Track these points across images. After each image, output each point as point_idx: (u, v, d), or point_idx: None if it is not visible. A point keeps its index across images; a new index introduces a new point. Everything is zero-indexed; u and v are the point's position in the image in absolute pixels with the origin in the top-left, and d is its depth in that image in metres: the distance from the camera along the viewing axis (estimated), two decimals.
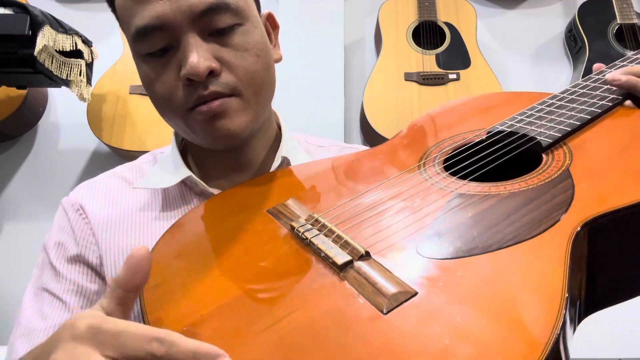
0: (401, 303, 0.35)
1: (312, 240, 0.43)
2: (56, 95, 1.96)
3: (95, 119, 1.70)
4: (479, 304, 0.34)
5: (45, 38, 1.38)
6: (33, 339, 0.58)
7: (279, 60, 0.65)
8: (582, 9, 1.86)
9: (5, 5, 1.37)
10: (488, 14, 2.01)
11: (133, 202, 0.64)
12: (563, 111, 0.55)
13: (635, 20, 1.80)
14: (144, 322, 0.39)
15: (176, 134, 0.69)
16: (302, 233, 0.44)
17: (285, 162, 0.64)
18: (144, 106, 1.71)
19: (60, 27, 1.45)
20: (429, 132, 0.62)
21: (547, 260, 0.35)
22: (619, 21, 1.80)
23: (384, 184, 0.51)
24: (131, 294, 0.37)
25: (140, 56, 0.58)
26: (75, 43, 1.49)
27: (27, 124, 1.90)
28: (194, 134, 0.59)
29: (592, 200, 0.40)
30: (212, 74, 0.54)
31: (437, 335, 0.32)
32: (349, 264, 0.39)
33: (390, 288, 0.36)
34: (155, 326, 0.34)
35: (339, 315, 0.35)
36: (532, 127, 0.53)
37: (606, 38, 1.77)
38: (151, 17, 0.53)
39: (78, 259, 0.62)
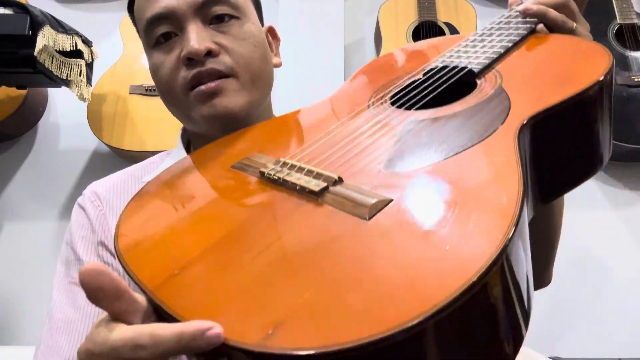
0: (380, 209, 0.37)
1: (285, 178, 0.45)
2: (56, 95, 1.96)
3: (95, 119, 1.70)
4: (452, 197, 0.37)
5: (45, 38, 1.38)
6: (72, 330, 0.59)
7: (278, 65, 0.72)
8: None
9: (5, 5, 1.37)
10: (488, 14, 2.01)
11: None
12: (486, 43, 0.62)
13: (635, 20, 1.80)
14: (131, 281, 0.38)
15: (182, 134, 0.73)
16: (274, 175, 0.46)
17: None
18: (144, 106, 1.71)
19: (60, 27, 1.45)
20: (371, 80, 0.67)
21: (501, 155, 0.40)
22: (619, 21, 1.80)
23: (340, 124, 0.55)
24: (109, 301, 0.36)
25: (150, 47, 0.64)
26: (75, 43, 1.49)
27: (27, 124, 1.90)
28: (194, 116, 0.62)
29: (526, 105, 0.47)
30: (210, 54, 0.60)
31: (420, 225, 0.35)
32: (325, 189, 0.41)
33: (369, 200, 0.39)
34: (143, 282, 0.36)
35: (325, 230, 0.38)
36: (462, 60, 0.59)
37: (606, 38, 1.77)
38: (160, 8, 0.61)
39: (100, 249, 0.64)
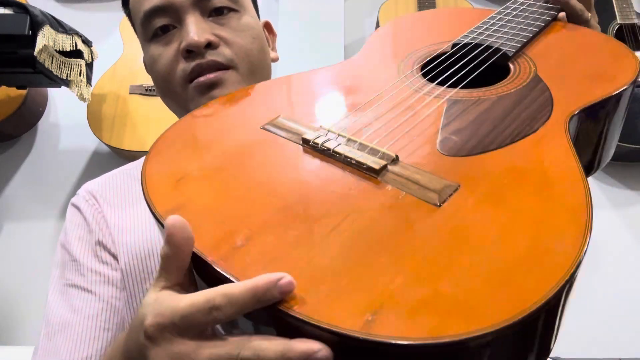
0: (450, 195, 0.37)
1: (337, 150, 0.42)
2: (56, 95, 1.96)
3: (95, 119, 1.70)
4: (517, 190, 0.37)
5: (45, 38, 1.38)
6: (70, 333, 0.57)
7: (275, 59, 0.71)
8: None
9: (5, 5, 1.37)
10: None
11: (139, 192, 0.64)
12: (513, 25, 0.62)
13: (635, 20, 1.80)
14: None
15: None
16: (322, 144, 0.43)
17: None
18: (144, 106, 1.71)
19: (60, 27, 1.45)
20: (396, 46, 0.65)
21: (557, 148, 0.42)
22: (619, 21, 1.80)
23: (378, 95, 0.52)
24: (184, 260, 0.36)
25: (147, 40, 0.63)
26: (75, 43, 1.49)
27: (27, 124, 1.90)
28: (192, 108, 0.61)
29: (569, 99, 0.48)
30: (210, 46, 0.60)
31: (493, 218, 0.35)
32: (384, 168, 0.40)
33: (436, 183, 0.38)
34: (201, 252, 0.34)
35: (395, 213, 0.36)
36: (492, 39, 0.59)
37: None
38: (159, 0, 0.60)
39: (98, 249, 0.62)
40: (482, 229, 0.34)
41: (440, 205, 0.36)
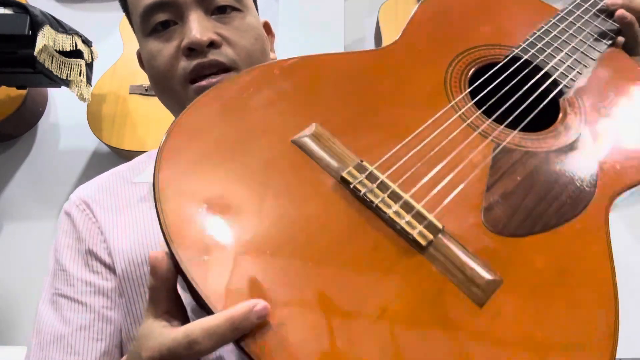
0: (492, 291, 0.37)
1: (380, 206, 0.39)
2: (56, 95, 1.96)
3: (95, 119, 1.70)
4: (554, 293, 0.38)
5: (45, 38, 1.38)
6: (63, 345, 0.57)
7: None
8: None
9: (5, 5, 1.37)
10: None
11: (134, 195, 0.64)
12: (575, 45, 0.58)
13: None
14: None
15: None
16: (364, 194, 0.40)
17: None
18: (144, 106, 1.71)
19: (60, 27, 1.45)
20: (442, 40, 0.57)
21: (596, 244, 0.42)
22: None
23: (426, 124, 0.48)
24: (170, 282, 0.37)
25: (145, 35, 0.61)
26: (75, 43, 1.49)
27: (27, 124, 1.90)
28: None
29: (616, 171, 0.47)
30: (212, 45, 0.58)
31: (532, 324, 0.36)
32: (430, 243, 0.39)
33: (480, 275, 0.38)
34: (211, 303, 0.33)
35: (438, 308, 0.36)
36: (552, 64, 0.55)
37: None
38: None
39: (89, 258, 0.61)
40: (517, 341, 0.35)
41: (482, 307, 0.36)
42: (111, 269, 0.60)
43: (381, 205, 0.39)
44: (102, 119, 1.70)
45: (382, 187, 0.41)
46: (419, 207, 0.40)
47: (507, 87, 0.53)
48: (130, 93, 1.73)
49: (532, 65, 0.55)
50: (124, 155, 1.71)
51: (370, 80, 0.51)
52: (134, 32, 0.64)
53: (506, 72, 0.54)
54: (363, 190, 0.40)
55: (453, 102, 0.50)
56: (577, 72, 0.55)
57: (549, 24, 0.60)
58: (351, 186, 0.40)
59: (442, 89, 0.51)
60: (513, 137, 0.48)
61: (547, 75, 0.54)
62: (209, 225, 0.37)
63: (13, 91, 1.72)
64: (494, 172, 0.45)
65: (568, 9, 0.62)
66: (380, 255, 0.37)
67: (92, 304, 0.59)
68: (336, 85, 0.50)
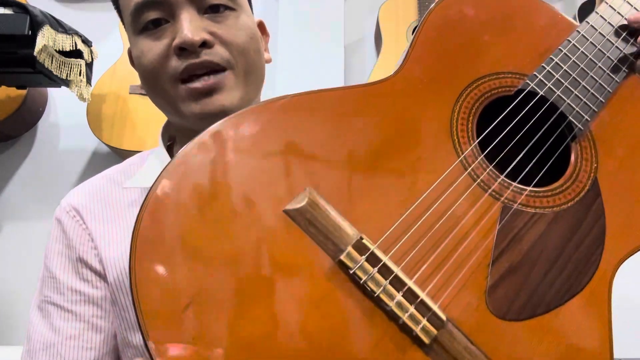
0: None
1: (382, 297, 0.37)
2: (56, 95, 1.96)
3: (95, 119, 1.70)
4: None
5: (45, 38, 1.38)
6: (53, 353, 0.57)
7: (268, 61, 0.68)
8: (582, 9, 1.86)
9: (5, 5, 1.37)
10: None
11: (125, 201, 0.63)
12: (592, 75, 0.52)
13: None
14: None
15: (162, 133, 0.69)
16: (365, 282, 0.37)
17: None
18: (144, 106, 1.71)
19: (60, 27, 1.45)
20: (449, 64, 0.50)
21: (597, 321, 0.42)
22: None
23: (430, 185, 0.43)
24: None
25: (136, 33, 0.60)
26: (75, 43, 1.49)
27: (27, 124, 1.90)
28: (184, 111, 0.59)
29: (622, 237, 0.45)
30: (205, 45, 0.57)
31: None
32: (434, 340, 0.37)
33: None
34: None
35: None
36: (568, 101, 0.50)
37: None
38: None
39: (79, 266, 0.60)
40: None
41: None
42: (102, 276, 0.60)
43: (383, 297, 0.37)
44: (102, 119, 1.70)
45: (384, 271, 0.38)
46: (423, 295, 0.38)
47: (521, 134, 0.48)
48: (130, 93, 1.73)
49: (547, 103, 0.50)
50: (124, 155, 1.71)
51: (367, 127, 0.45)
52: (125, 30, 0.63)
53: (520, 113, 0.49)
54: (363, 277, 0.37)
55: (462, 157, 0.46)
56: (594, 109, 0.50)
57: (568, 47, 0.53)
58: (351, 272, 0.37)
59: (449, 137, 0.46)
60: (521, 197, 0.46)
61: (562, 115, 0.50)
62: (189, 320, 0.34)
63: (13, 91, 1.72)
64: (500, 241, 0.43)
65: (588, 27, 0.55)
66: (381, 355, 0.36)
67: (81, 313, 0.59)
68: (328, 135, 0.43)
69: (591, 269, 0.43)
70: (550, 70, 0.51)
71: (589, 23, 0.55)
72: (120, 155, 1.74)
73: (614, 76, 0.52)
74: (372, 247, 0.38)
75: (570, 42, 0.53)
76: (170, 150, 0.69)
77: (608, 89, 0.51)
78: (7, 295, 1.76)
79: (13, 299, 1.75)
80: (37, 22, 1.37)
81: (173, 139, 0.71)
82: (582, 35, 0.54)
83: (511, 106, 0.49)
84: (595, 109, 0.50)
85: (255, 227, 0.38)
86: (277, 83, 1.77)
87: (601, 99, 0.51)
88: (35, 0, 1.68)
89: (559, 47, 0.53)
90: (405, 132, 0.45)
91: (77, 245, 0.61)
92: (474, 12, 0.53)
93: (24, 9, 1.37)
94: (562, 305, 0.42)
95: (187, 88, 0.57)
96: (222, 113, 0.56)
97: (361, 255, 0.38)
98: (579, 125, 0.49)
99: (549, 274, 0.43)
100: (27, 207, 1.86)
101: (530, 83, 0.50)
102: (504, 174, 0.46)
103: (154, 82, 0.60)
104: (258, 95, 0.65)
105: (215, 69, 0.57)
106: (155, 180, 0.39)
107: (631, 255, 0.44)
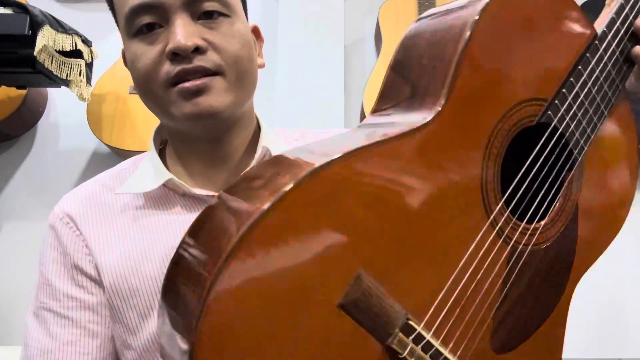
0: None
1: None
2: (56, 95, 1.96)
3: (95, 119, 1.70)
4: None
5: (45, 38, 1.38)
6: (50, 358, 0.59)
7: (261, 66, 0.68)
8: (582, 9, 1.86)
9: (5, 5, 1.37)
10: None
11: (117, 207, 0.64)
12: (598, 100, 0.50)
13: None
14: None
15: (154, 137, 0.70)
16: None
17: (267, 153, 0.65)
18: (144, 106, 1.71)
19: (60, 27, 1.45)
20: (475, 109, 0.45)
21: (560, 328, 0.53)
22: None
23: (465, 253, 0.44)
24: None
25: (130, 36, 0.60)
26: (75, 43, 1.49)
27: (27, 124, 1.90)
28: (174, 112, 0.59)
29: (585, 259, 0.53)
30: (198, 50, 0.57)
31: None
32: None
33: None
34: None
35: None
36: (577, 134, 0.49)
37: None
38: None
39: (75, 272, 0.61)
40: None
41: None
42: (97, 282, 0.61)
43: None
44: (102, 119, 1.70)
45: (426, 346, 0.41)
46: None
47: (534, 171, 0.48)
48: (130, 93, 1.73)
49: (557, 133, 0.49)
50: (124, 155, 1.71)
51: (402, 191, 0.41)
52: (119, 32, 0.64)
53: (534, 150, 0.48)
54: None
55: (491, 218, 0.45)
56: (592, 138, 0.50)
57: (588, 68, 0.50)
58: (401, 357, 0.39)
59: (479, 196, 0.44)
60: (527, 238, 0.49)
61: (566, 144, 0.49)
62: None
63: (13, 91, 1.72)
64: (504, 284, 0.47)
65: (607, 39, 0.52)
66: None
67: (78, 319, 0.60)
68: (366, 206, 0.39)
69: (560, 290, 0.51)
70: (571, 100, 0.49)
71: (607, 33, 0.52)
72: (120, 155, 1.74)
73: (612, 96, 0.51)
74: (419, 329, 0.41)
75: (590, 61, 0.50)
76: (163, 154, 0.69)
77: (606, 112, 0.51)
78: (7, 295, 1.76)
79: (13, 298, 1.75)
80: (37, 22, 1.37)
81: (165, 143, 0.71)
82: (602, 52, 0.51)
83: (536, 150, 0.48)
84: (592, 136, 0.51)
85: (315, 323, 0.37)
86: (277, 83, 1.77)
87: (599, 124, 0.51)
88: (35, 0, 1.68)
89: (579, 67, 0.49)
90: (439, 197, 0.43)
91: (72, 252, 0.62)
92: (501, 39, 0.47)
93: (24, 9, 1.37)
94: (538, 328, 0.49)
95: (177, 89, 0.58)
96: (211, 114, 0.58)
97: (408, 337, 0.40)
98: (579, 158, 0.51)
99: (536, 306, 0.50)
100: (27, 207, 1.86)
101: (553, 118, 0.48)
102: (525, 221, 0.49)
103: (147, 86, 0.61)
104: (250, 100, 0.66)
105: (206, 73, 0.58)
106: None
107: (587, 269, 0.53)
